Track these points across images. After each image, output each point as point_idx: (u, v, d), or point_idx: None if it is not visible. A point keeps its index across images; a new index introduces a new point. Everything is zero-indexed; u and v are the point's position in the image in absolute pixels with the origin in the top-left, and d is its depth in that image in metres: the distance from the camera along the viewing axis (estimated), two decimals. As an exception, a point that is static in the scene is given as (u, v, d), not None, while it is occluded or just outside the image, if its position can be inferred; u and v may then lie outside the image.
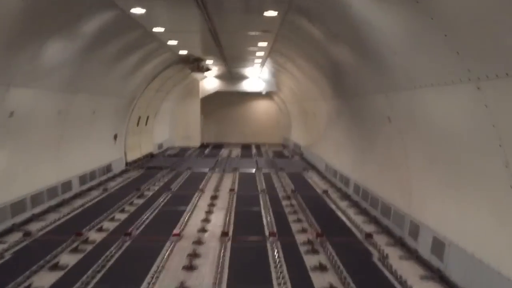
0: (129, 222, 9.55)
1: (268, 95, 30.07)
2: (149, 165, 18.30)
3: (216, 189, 13.50)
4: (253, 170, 17.52)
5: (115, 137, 15.71)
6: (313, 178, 15.82)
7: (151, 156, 21.35)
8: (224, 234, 8.65)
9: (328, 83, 13.69)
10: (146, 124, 20.43)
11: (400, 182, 8.47)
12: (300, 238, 8.59)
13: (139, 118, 18.84)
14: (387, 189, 9.38)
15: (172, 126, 26.45)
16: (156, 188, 13.56)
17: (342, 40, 9.12)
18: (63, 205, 10.93)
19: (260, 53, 17.10)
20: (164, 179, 15.08)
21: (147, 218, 10.02)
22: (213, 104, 29.94)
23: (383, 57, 7.34)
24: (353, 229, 9.33)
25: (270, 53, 16.42)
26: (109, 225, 9.36)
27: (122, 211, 10.63)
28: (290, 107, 25.87)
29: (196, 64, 19.39)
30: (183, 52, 16.11)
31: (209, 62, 18.83)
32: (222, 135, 30.29)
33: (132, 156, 18.14)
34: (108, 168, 14.92)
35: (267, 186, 14.05)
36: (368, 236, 8.50)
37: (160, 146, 23.98)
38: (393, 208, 8.79)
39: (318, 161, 17.62)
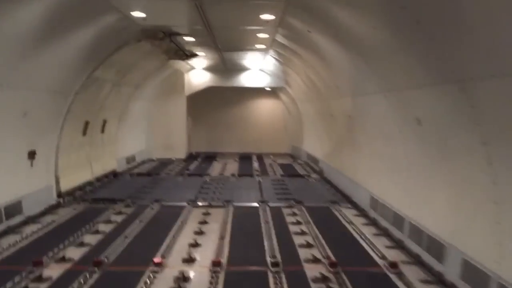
0: None
1: (274, 92, 23.99)
2: (96, 195, 12.17)
3: (189, 256, 7.36)
4: (256, 203, 11.47)
5: (31, 155, 9.64)
6: (355, 223, 9.71)
7: (113, 175, 15.28)
8: None
9: (372, 71, 7.76)
10: (102, 132, 14.36)
11: None
12: None
13: (86, 123, 12.76)
14: None
15: (150, 132, 20.41)
16: (75, 256, 7.47)
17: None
18: None
19: (264, 35, 11.42)
20: (101, 233, 8.91)
21: None
22: (204, 103, 23.89)
23: None
24: None
25: (278, 31, 10.60)
26: None
27: None
28: (302, 108, 19.82)
29: (172, 47, 13.36)
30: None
31: (189, 39, 12.75)
32: (215, 143, 24.20)
33: (73, 181, 12.06)
34: (12, 209, 8.86)
35: (282, 248, 7.92)
36: None
37: (130, 159, 17.91)
38: None
39: (353, 189, 11.59)
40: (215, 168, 18.26)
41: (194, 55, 15.76)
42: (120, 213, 10.24)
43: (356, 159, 11.62)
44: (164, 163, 19.66)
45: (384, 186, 9.34)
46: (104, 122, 14.32)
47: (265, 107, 24.43)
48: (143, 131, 19.79)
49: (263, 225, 9.36)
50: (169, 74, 18.64)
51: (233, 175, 16.07)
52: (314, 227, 9.19)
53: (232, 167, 18.80)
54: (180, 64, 17.99)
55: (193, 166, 18.86)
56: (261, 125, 24.25)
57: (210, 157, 22.26)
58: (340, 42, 8.71)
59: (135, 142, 18.65)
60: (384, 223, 8.99)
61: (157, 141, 20.60)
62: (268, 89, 23.11)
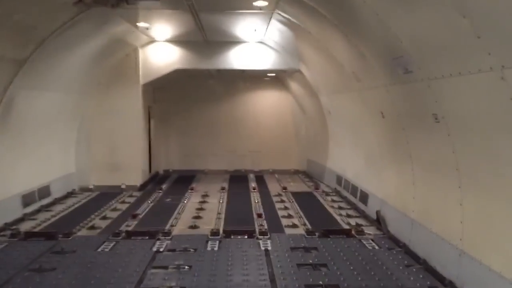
0: None
1: (279, 79, 16.28)
2: None
3: None
4: None
5: None
6: None
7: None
8: None
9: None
10: None
11: None
12: None
13: None
14: None
15: (83, 145, 12.62)
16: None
17: None
18: None
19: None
20: None
21: None
22: (175, 97, 16.21)
23: None
24: None
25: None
26: None
27: None
28: (328, 103, 12.14)
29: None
30: None
31: None
32: (193, 157, 16.37)
33: None
34: None
35: None
36: None
37: (36, 195, 10.13)
38: None
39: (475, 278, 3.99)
40: (186, 210, 10.45)
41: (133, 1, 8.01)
42: None
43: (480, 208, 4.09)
44: (105, 195, 11.90)
45: None
46: None
47: (267, 103, 16.60)
48: (67, 144, 12.00)
49: None
50: (107, 46, 10.82)
51: (214, 232, 8.25)
52: None
53: (216, 202, 11.05)
54: (124, 29, 10.25)
55: (146, 204, 11.01)
56: (261, 130, 16.46)
57: (184, 180, 14.51)
58: None
59: (48, 164, 10.84)
60: None
61: (95, 158, 12.80)
62: (271, 74, 15.35)
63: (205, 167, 16.16)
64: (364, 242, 7.67)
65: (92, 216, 9.60)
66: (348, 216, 9.65)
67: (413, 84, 6.04)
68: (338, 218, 9.60)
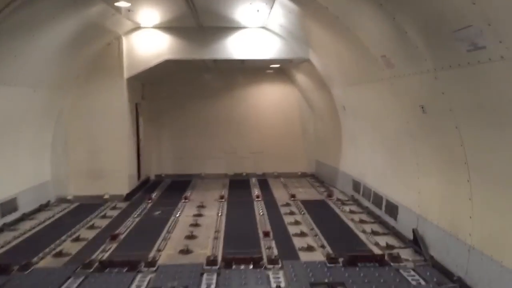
0: None
1: (283, 71, 14.55)
2: None
3: None
4: None
5: None
6: None
7: None
8: None
9: None
10: None
11: None
12: None
13: None
14: None
15: (60, 149, 10.88)
16: None
17: None
18: None
19: None
20: None
21: None
22: (166, 93, 14.51)
23: None
24: None
25: None
26: None
27: None
28: (343, 96, 10.39)
29: None
30: None
31: None
32: (188, 159, 14.64)
33: None
34: None
35: None
36: None
37: (4, 209, 8.43)
38: None
39: None
40: (178, 226, 8.71)
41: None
42: None
43: None
44: (85, 207, 10.21)
45: None
46: None
47: (270, 98, 14.84)
48: (39, 148, 10.27)
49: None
50: (82, 33, 9.04)
51: (211, 260, 6.51)
52: None
53: (213, 215, 9.33)
54: (101, 11, 8.51)
55: (131, 219, 9.27)
56: (264, 129, 14.72)
57: (178, 187, 12.82)
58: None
59: (13, 173, 9.09)
60: None
61: (74, 164, 11.06)
62: (274, 66, 13.62)
63: (201, 171, 14.44)
64: (404, 273, 5.96)
65: (63, 237, 7.88)
66: (374, 233, 7.93)
67: (485, 65, 4.32)
68: (362, 236, 7.89)
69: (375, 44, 6.83)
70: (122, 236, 7.98)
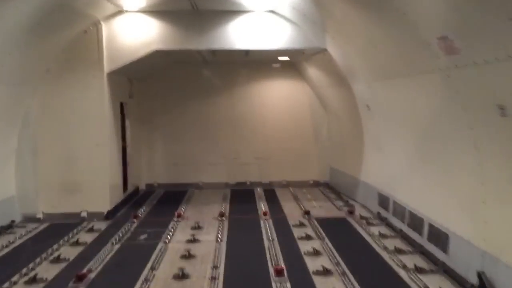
0: None
1: (292, 65, 12.69)
2: None
3: None
4: None
5: None
6: None
7: None
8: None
9: None
10: None
11: None
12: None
13: None
14: None
15: (29, 157, 9.06)
16: None
17: None
18: None
19: None
20: None
21: None
22: (157, 90, 12.73)
23: None
24: None
25: None
26: None
27: None
28: (369, 93, 8.52)
29: None
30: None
31: None
32: (184, 166, 12.78)
33: None
34: None
35: None
36: None
37: None
38: None
39: None
40: (166, 258, 6.86)
41: None
42: None
43: None
44: (56, 229, 8.42)
45: None
46: None
47: (277, 96, 12.92)
48: (1, 158, 8.45)
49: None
50: (48, 16, 7.20)
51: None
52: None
53: (211, 241, 7.50)
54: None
55: (109, 247, 7.42)
56: (270, 131, 12.83)
57: (171, 200, 11.02)
58: None
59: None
60: None
61: (45, 175, 9.20)
62: (283, 58, 11.78)
63: (199, 179, 12.60)
64: None
65: (15, 278, 6.06)
66: (418, 270, 6.10)
67: None
68: (403, 273, 6.06)
69: (431, 21, 4.98)
70: (91, 276, 6.15)
